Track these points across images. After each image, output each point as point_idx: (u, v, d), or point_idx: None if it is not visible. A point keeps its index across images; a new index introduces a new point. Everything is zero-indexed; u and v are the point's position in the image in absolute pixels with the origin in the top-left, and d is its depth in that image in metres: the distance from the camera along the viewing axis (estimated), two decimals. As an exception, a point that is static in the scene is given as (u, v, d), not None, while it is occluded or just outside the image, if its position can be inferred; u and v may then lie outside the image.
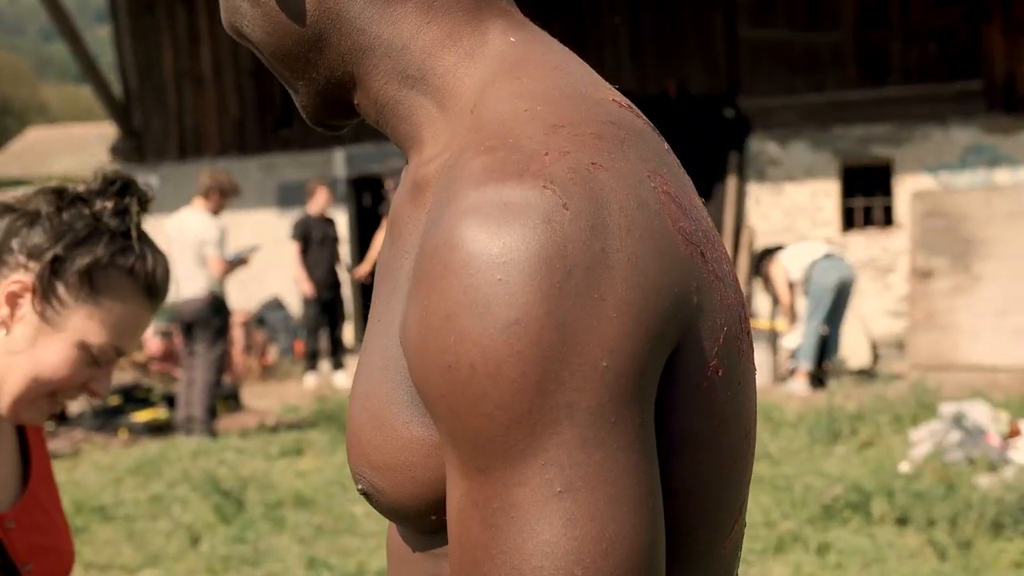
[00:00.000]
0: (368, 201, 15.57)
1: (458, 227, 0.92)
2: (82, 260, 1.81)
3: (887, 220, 14.05)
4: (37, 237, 1.81)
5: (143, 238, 1.90)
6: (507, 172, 0.93)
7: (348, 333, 14.39)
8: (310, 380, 12.49)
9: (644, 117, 1.09)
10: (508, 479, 0.91)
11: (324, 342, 12.71)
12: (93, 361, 1.82)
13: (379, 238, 12.19)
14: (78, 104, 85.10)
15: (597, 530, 0.90)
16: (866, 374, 11.13)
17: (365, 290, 14.53)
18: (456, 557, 0.96)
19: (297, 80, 1.18)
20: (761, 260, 11.65)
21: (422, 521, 1.05)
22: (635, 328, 0.92)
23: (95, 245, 1.82)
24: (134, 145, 15.81)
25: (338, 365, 12.55)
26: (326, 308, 12.16)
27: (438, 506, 1.02)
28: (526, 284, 0.90)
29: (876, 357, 12.01)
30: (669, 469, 0.99)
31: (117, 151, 16.13)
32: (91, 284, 1.81)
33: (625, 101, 1.09)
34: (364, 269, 12.82)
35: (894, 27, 13.81)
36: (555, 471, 0.90)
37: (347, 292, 13.82)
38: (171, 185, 15.28)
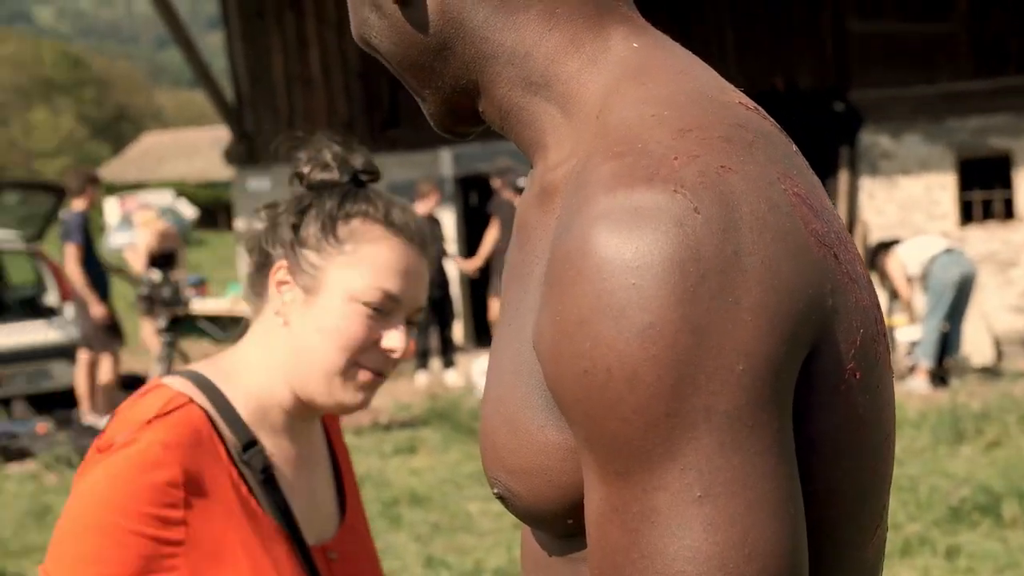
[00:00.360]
0: (475, 200, 15.64)
1: (590, 232, 0.93)
2: (316, 219, 1.84)
3: (1007, 213, 13.74)
4: (280, 225, 1.88)
5: (367, 185, 1.95)
6: (637, 177, 0.94)
7: (458, 331, 14.44)
8: (421, 378, 12.56)
9: (771, 119, 1.09)
10: (647, 483, 0.91)
11: (435, 340, 12.77)
12: (375, 312, 1.80)
13: (490, 235, 12.27)
14: (191, 109, 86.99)
15: (739, 535, 0.90)
16: (990, 372, 10.91)
17: (474, 288, 14.57)
18: (596, 561, 0.96)
19: (424, 89, 1.19)
20: (876, 254, 11.51)
21: (559, 525, 1.05)
22: (770, 331, 0.92)
23: (323, 201, 1.87)
24: (246, 148, 16.04)
25: (449, 363, 12.63)
26: (436, 307, 12.23)
27: (575, 510, 1.02)
28: (660, 288, 0.90)
29: (1000, 354, 11.78)
30: (809, 472, 0.98)
31: (230, 154, 16.38)
32: (332, 235, 1.83)
33: (751, 103, 1.08)
34: (474, 264, 12.88)
35: (1010, 15, 13.52)
36: (694, 475, 0.90)
37: (456, 291, 13.87)
38: (284, 187, 15.39)
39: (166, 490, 1.63)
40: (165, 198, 36.48)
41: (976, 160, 13.77)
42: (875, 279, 12.12)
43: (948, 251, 10.87)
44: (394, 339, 1.82)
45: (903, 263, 11.18)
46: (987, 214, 13.93)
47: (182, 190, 42.20)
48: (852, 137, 13.47)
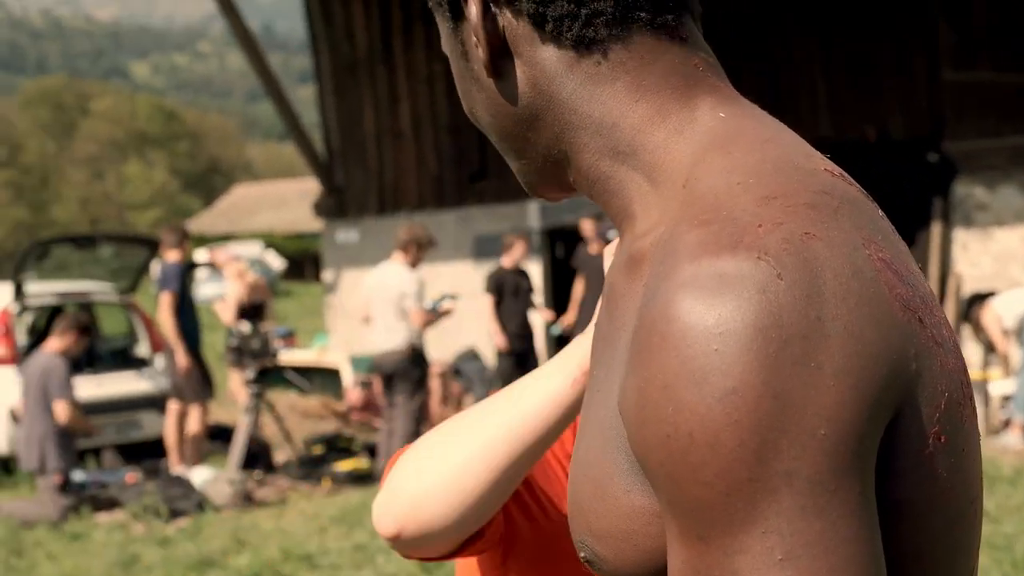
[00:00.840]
0: (562, 252, 15.66)
1: (675, 299, 0.95)
2: None
3: (1107, 266, 13.44)
4: None
5: None
6: (721, 244, 0.96)
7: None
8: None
9: (857, 185, 1.11)
10: (728, 547, 0.92)
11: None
12: None
13: (579, 287, 12.25)
14: (281, 161, 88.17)
15: None
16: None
17: (561, 342, 14.56)
18: None
19: (520, 159, 1.24)
20: (971, 307, 11.37)
21: None
22: (853, 396, 0.93)
23: None
24: (336, 201, 16.23)
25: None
26: (520, 360, 12.20)
27: (659, 573, 1.03)
28: (742, 354, 0.91)
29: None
30: (893, 536, 0.99)
31: (320, 207, 16.58)
32: None
33: (838, 170, 1.10)
34: (569, 318, 12.86)
35: (1107, 65, 13.35)
36: (775, 539, 0.91)
37: (540, 344, 13.85)
38: (372, 240, 15.61)
39: None
40: (254, 249, 36.99)
41: (1074, 211, 13.55)
42: (970, 332, 11.95)
43: None
44: None
45: (999, 315, 11.07)
46: (1086, 266, 13.66)
47: (270, 241, 42.78)
48: (946, 188, 13.33)
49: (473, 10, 1.18)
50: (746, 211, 0.99)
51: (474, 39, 1.19)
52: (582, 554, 1.11)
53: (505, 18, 1.18)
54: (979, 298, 11.36)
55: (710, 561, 0.93)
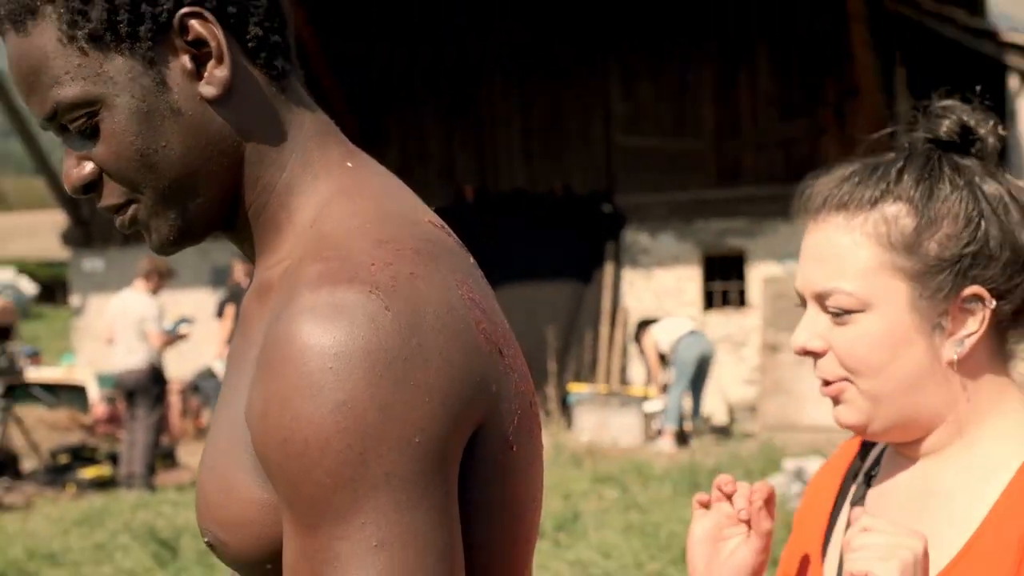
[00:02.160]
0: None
1: (296, 323, 0.95)
2: None
3: (741, 301, 14.27)
4: None
5: None
6: (339, 278, 0.96)
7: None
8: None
9: (454, 236, 1.13)
10: (332, 534, 0.93)
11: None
12: None
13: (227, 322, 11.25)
14: (32, 194, 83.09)
15: None
16: (723, 433, 11.28)
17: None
18: None
19: (195, 199, 1.14)
20: (638, 331, 11.72)
21: (260, 570, 1.05)
22: (443, 411, 0.96)
23: None
24: (83, 232, 15.61)
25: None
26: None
27: (274, 557, 1.02)
28: (353, 372, 0.92)
29: (732, 419, 12.19)
30: (468, 529, 1.01)
31: (67, 237, 15.92)
32: None
33: (439, 222, 1.13)
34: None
35: (747, 137, 14.08)
36: (372, 529, 0.93)
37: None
38: (116, 268, 15.06)
39: None
40: (7, 275, 34.94)
41: (717, 256, 14.23)
42: (637, 353, 12.41)
43: (692, 332, 11.20)
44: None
45: (656, 340, 11.43)
46: (725, 302, 14.38)
47: (23, 268, 40.41)
48: (617, 235, 13.74)
49: (209, 28, 1.07)
50: (362, 251, 1.00)
51: (185, 64, 1.07)
52: (206, 539, 1.09)
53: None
54: (644, 324, 11.67)
55: (317, 546, 0.94)
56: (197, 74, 1.07)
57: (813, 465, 7.79)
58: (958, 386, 1.24)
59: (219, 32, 1.07)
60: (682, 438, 11.04)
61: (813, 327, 1.27)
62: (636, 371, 13.19)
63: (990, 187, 1.22)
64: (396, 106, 14.25)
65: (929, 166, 1.23)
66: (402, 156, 13.74)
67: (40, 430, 12.13)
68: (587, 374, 13.05)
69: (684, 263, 14.12)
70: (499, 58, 13.96)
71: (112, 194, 1.10)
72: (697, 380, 11.29)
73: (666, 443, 10.87)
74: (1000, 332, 1.25)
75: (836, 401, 1.28)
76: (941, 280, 1.21)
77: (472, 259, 1.13)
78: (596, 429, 10.88)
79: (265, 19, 1.11)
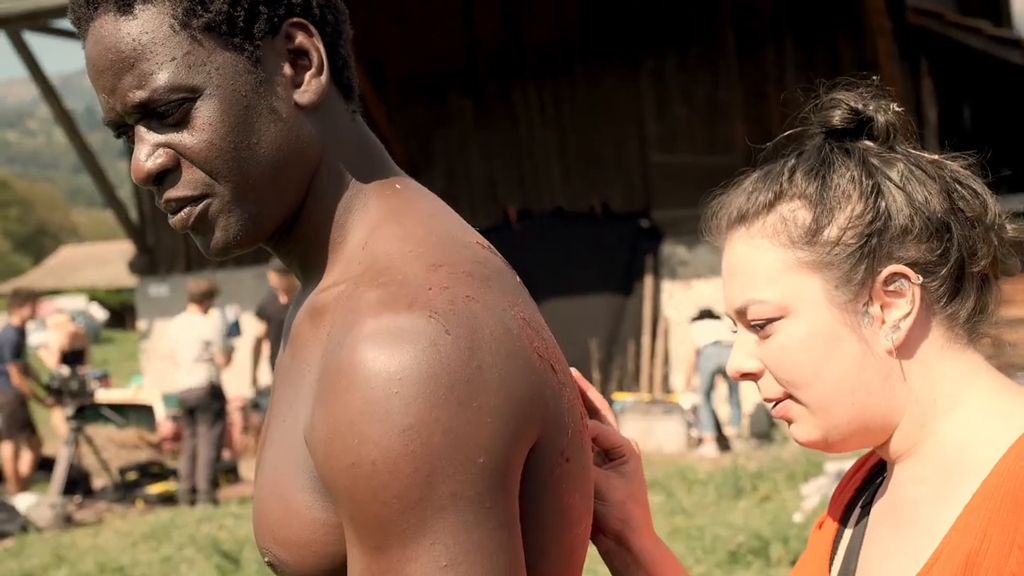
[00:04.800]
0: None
1: (360, 349, 0.94)
2: None
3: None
4: None
5: None
6: (399, 304, 0.95)
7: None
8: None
9: (500, 256, 1.12)
10: (402, 556, 0.92)
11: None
12: None
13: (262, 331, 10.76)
14: (103, 226, 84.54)
15: None
16: (765, 437, 11.13)
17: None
18: None
19: (265, 206, 1.13)
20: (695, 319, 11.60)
21: None
22: (505, 431, 0.95)
23: None
24: (148, 260, 15.72)
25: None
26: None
27: (333, 574, 1.02)
28: (418, 396, 0.92)
29: (773, 423, 12.00)
30: (528, 539, 1.00)
31: (134, 265, 16.02)
32: None
33: (485, 243, 1.11)
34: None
35: (778, 150, 13.98)
36: (441, 549, 0.91)
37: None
38: (178, 294, 15.13)
39: None
40: (79, 302, 35.43)
41: (753, 266, 14.10)
42: (677, 362, 12.28)
43: (716, 343, 10.92)
44: None
45: (693, 338, 11.33)
46: (763, 310, 14.21)
47: (94, 295, 41.04)
48: (655, 248, 13.69)
49: (312, 41, 1.08)
50: (418, 276, 0.99)
51: (286, 69, 1.08)
52: (266, 559, 1.08)
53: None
54: (700, 316, 11.39)
55: (386, 567, 0.93)
56: (293, 79, 1.07)
57: (854, 467, 7.64)
58: (908, 377, 1.10)
59: (320, 45, 1.08)
60: (724, 443, 10.92)
61: (744, 348, 1.16)
62: (678, 379, 13.03)
63: (889, 163, 1.12)
64: (440, 133, 14.26)
65: (821, 157, 1.14)
66: (447, 180, 13.76)
67: (110, 449, 12.24)
68: (630, 383, 12.94)
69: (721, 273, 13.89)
70: (539, 87, 13.99)
71: (187, 185, 1.06)
72: (732, 387, 11.20)
73: (708, 449, 10.76)
74: (950, 312, 1.11)
75: (786, 420, 1.15)
76: (852, 265, 1.09)
77: (518, 278, 1.12)
78: (640, 436, 10.76)
79: (346, 44, 1.13)
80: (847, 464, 7.70)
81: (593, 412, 1.30)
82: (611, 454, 1.31)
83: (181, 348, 9.81)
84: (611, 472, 1.29)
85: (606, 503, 1.27)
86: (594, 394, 1.30)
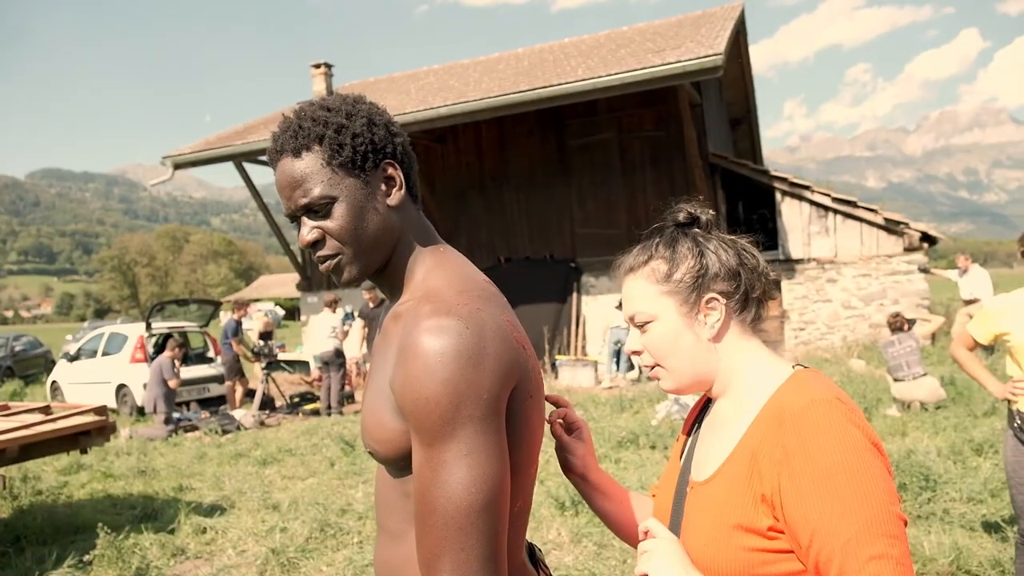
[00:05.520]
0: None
1: (420, 336, 0.92)
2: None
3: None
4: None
5: None
6: (441, 312, 0.94)
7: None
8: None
9: (494, 285, 1.08)
10: (442, 448, 0.90)
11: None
12: None
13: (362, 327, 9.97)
14: (282, 264, 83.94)
15: (483, 472, 0.90)
16: (638, 381, 10.99)
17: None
18: (417, 486, 0.94)
19: (369, 260, 1.09)
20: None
21: (397, 465, 1.01)
22: (498, 380, 0.93)
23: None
24: (306, 283, 15.56)
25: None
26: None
27: (405, 459, 0.99)
28: (451, 363, 0.90)
29: (641, 373, 11.83)
30: (511, 439, 0.98)
31: (299, 286, 15.86)
32: None
33: (485, 278, 1.08)
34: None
35: (642, 226, 13.82)
36: (463, 445, 0.90)
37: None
38: (321, 301, 14.91)
39: None
40: (270, 306, 35.11)
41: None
42: (591, 338, 12.13)
43: (617, 326, 10.87)
44: None
45: (607, 321, 11.25)
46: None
47: (279, 302, 40.71)
48: (578, 278, 13.62)
49: (397, 171, 1.06)
50: (451, 298, 0.97)
51: (383, 187, 1.05)
52: (367, 450, 1.04)
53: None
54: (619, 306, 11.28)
55: (432, 455, 0.90)
56: (386, 192, 1.05)
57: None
58: (719, 354, 1.09)
59: (400, 173, 1.06)
60: (614, 383, 10.71)
61: (634, 338, 1.14)
62: (592, 348, 12.92)
63: (708, 240, 1.12)
64: (463, 216, 14.17)
65: (672, 237, 1.13)
66: (467, 241, 13.67)
67: (284, 385, 12.06)
68: (565, 350, 12.84)
69: (613, 292, 13.73)
70: (517, 191, 13.89)
71: (328, 249, 1.06)
72: (618, 354, 11.05)
73: (606, 385, 10.60)
74: (741, 318, 1.10)
75: (656, 377, 1.14)
76: (689, 294, 1.09)
77: (504, 298, 1.08)
78: (569, 379, 10.69)
79: (414, 171, 1.09)
80: (684, 398, 7.62)
81: (564, 405, 1.27)
82: (572, 427, 1.28)
83: (321, 330, 9.71)
84: (574, 439, 1.28)
85: (574, 455, 1.26)
86: (564, 401, 1.28)
